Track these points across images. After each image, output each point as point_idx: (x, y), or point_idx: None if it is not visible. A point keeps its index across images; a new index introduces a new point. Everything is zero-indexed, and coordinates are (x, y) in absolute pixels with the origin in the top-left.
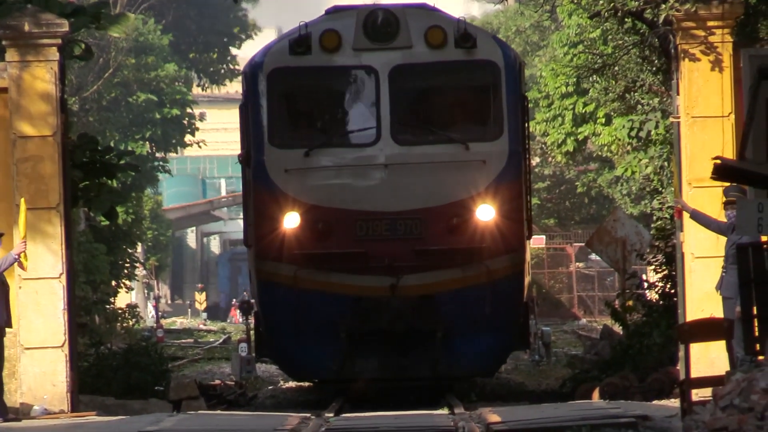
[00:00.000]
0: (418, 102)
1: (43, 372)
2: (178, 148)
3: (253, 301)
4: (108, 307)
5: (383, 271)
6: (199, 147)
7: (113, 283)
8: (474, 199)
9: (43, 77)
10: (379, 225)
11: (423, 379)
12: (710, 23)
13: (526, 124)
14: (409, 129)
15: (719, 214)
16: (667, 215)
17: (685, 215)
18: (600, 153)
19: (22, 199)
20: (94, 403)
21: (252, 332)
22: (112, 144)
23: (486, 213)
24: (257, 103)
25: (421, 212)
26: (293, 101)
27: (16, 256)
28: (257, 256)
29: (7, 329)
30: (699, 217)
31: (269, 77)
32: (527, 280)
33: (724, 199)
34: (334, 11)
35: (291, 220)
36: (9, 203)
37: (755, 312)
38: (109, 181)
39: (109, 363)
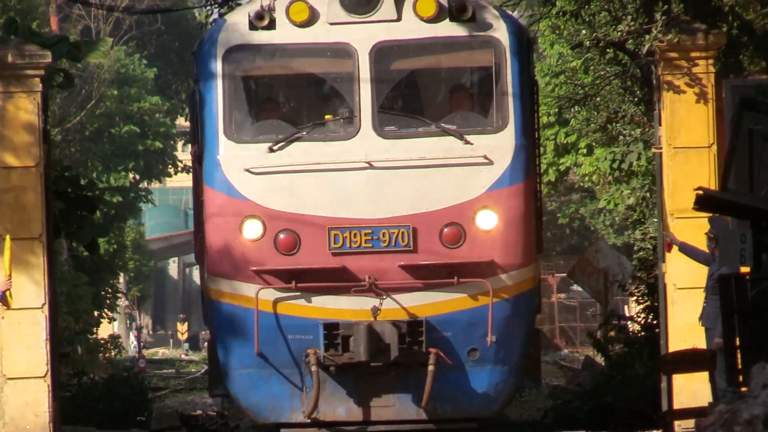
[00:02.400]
0: (405, 87)
1: (25, 402)
2: (161, 178)
3: (204, 333)
4: (90, 337)
5: (363, 291)
6: (184, 172)
7: (95, 313)
8: (473, 203)
9: (26, 108)
10: (359, 235)
11: (411, 422)
12: (693, 54)
13: (536, 114)
14: (396, 119)
15: (703, 245)
16: (649, 246)
17: (674, 248)
18: (582, 183)
19: (8, 236)
20: None
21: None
22: (94, 174)
23: (488, 220)
24: (210, 88)
25: (409, 219)
26: (254, 86)
27: (2, 293)
28: (210, 273)
29: None
30: (687, 250)
31: (225, 57)
32: (537, 301)
33: (708, 229)
34: None
35: (251, 230)
36: None
37: (738, 343)
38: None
39: (92, 393)
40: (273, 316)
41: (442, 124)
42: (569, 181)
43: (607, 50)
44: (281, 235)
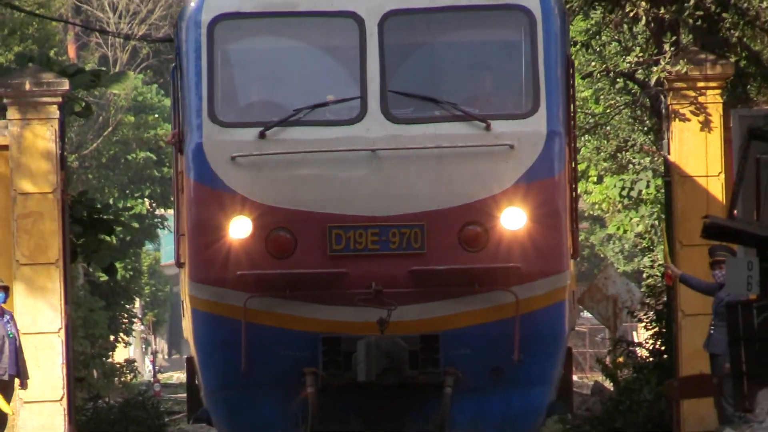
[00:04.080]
0: (419, 63)
1: (41, 425)
2: None
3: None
4: (106, 361)
5: (368, 300)
6: None
7: (111, 337)
8: (497, 199)
9: (43, 135)
10: (364, 235)
11: None
12: (701, 84)
13: (573, 97)
14: (408, 101)
15: (708, 273)
16: (658, 273)
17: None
18: (591, 211)
19: None
20: None
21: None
22: (110, 201)
23: (514, 219)
24: (193, 64)
25: (422, 217)
26: (243, 62)
27: None
28: (191, 278)
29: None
30: (687, 280)
31: (210, 28)
32: (571, 314)
33: (711, 259)
34: None
35: (239, 228)
36: (9, 259)
37: (744, 369)
38: (108, 238)
39: (107, 417)
40: (263, 329)
41: (462, 107)
42: (579, 209)
43: (617, 80)
44: (273, 235)
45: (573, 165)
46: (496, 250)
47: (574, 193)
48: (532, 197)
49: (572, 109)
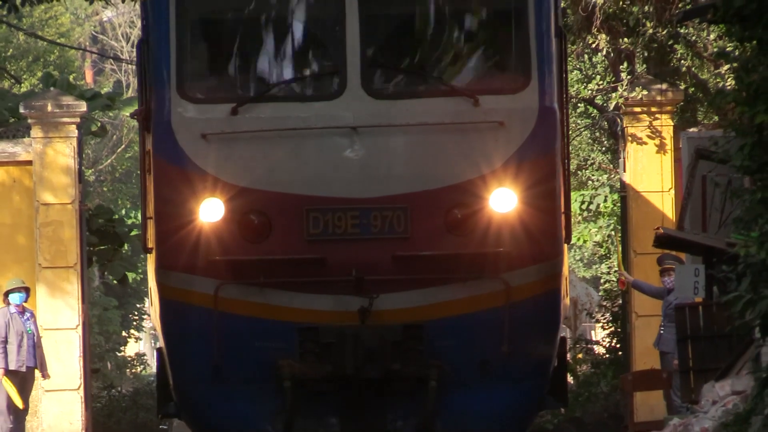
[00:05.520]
0: (402, 34)
1: (61, 412)
2: None
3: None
4: (119, 354)
5: (348, 288)
6: None
7: (123, 333)
8: (486, 179)
9: (63, 152)
10: (343, 218)
11: None
12: (654, 109)
13: (565, 71)
14: (390, 75)
15: (658, 279)
16: (614, 278)
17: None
18: None
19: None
20: None
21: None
22: (123, 212)
23: (504, 201)
24: (160, 34)
25: (405, 199)
26: (214, 32)
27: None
28: (160, 264)
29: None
30: (638, 285)
31: None
32: (565, 303)
33: (660, 266)
34: None
35: (209, 211)
36: (32, 263)
37: (691, 364)
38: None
39: (120, 404)
40: (236, 319)
41: (448, 82)
42: None
43: (579, 105)
44: (247, 218)
45: (566, 143)
46: (484, 234)
47: (566, 174)
48: (523, 177)
49: (564, 84)
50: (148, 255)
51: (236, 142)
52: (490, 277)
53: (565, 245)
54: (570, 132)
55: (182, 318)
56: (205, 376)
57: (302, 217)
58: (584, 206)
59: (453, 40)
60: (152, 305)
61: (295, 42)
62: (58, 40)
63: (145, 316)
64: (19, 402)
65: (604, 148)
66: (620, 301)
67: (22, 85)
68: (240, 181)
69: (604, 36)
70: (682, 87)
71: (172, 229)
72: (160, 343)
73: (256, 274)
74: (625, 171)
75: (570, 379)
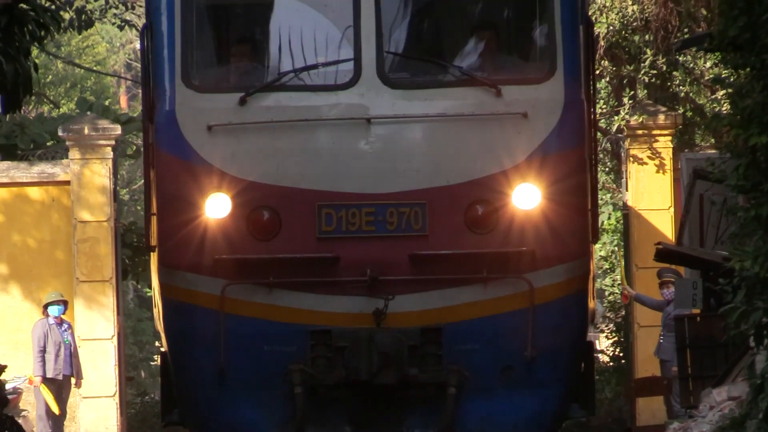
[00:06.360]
0: (421, 22)
1: (98, 417)
2: None
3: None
4: (152, 363)
5: (363, 289)
6: None
7: (156, 343)
8: (508, 175)
9: (99, 172)
10: (357, 215)
11: None
12: (654, 132)
13: (592, 61)
14: (407, 64)
15: (658, 292)
16: (617, 291)
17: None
18: None
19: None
20: None
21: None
22: None
23: (528, 197)
24: (165, 20)
25: (423, 195)
26: (222, 18)
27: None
28: (163, 263)
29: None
30: (641, 299)
31: None
32: (592, 305)
33: (659, 280)
34: None
35: (215, 206)
36: (70, 277)
37: (690, 372)
38: None
39: (153, 410)
40: (243, 321)
41: (469, 71)
42: None
43: None
44: (255, 214)
45: (593, 136)
46: (507, 232)
47: (594, 169)
48: (547, 172)
49: (592, 74)
50: (151, 253)
51: (244, 134)
52: (513, 277)
53: (593, 245)
54: None
55: (187, 320)
56: (210, 382)
57: (314, 213)
58: None
59: (473, 27)
60: (155, 306)
61: (307, 28)
62: (94, 68)
63: None
64: (55, 408)
65: (607, 169)
66: (623, 313)
67: (60, 109)
68: (248, 175)
69: (607, 63)
70: (681, 111)
71: (176, 225)
72: (164, 347)
73: (265, 273)
74: (627, 190)
75: None
